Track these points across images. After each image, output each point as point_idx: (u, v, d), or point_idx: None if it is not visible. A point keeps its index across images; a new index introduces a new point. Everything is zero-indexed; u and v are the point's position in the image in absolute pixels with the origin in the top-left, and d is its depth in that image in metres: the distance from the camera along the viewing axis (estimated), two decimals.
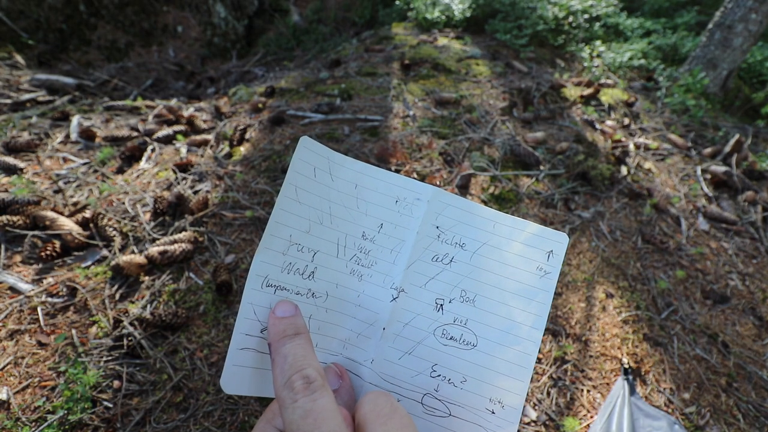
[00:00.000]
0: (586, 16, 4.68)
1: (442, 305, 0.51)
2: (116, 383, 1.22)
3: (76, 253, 1.57)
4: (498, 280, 0.51)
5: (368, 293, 0.51)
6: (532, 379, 1.42)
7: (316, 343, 0.49)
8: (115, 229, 1.65)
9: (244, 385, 0.46)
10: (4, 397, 1.14)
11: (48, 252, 1.51)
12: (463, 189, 2.13)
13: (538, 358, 1.49)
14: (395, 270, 0.52)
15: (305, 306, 0.50)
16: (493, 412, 0.48)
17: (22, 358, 1.24)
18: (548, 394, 1.40)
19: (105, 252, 1.58)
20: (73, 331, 1.32)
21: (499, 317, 0.50)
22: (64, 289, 1.42)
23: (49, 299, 1.40)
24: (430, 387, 0.49)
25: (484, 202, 2.08)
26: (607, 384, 1.46)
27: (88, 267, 1.53)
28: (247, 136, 2.39)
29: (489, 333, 0.50)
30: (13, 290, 1.41)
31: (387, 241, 0.52)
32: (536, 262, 0.51)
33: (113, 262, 1.48)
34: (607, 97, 3.40)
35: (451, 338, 0.50)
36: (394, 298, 0.51)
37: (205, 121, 2.58)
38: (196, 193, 1.93)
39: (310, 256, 0.50)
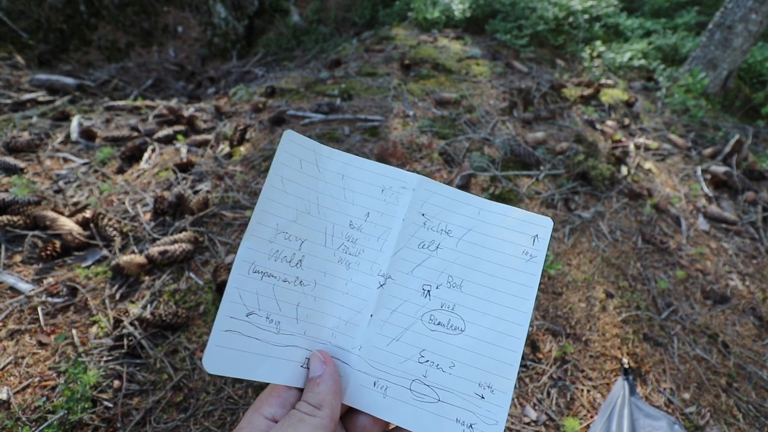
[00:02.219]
0: (586, 16, 4.68)
1: (429, 291, 0.51)
2: (116, 383, 1.22)
3: (76, 253, 1.57)
4: (484, 266, 0.52)
5: (356, 281, 0.52)
6: (531, 378, 1.42)
7: (304, 330, 0.50)
8: (115, 229, 1.65)
9: (227, 365, 0.46)
10: (4, 396, 1.14)
11: (48, 252, 1.51)
12: (463, 189, 2.13)
13: (537, 358, 1.49)
14: (382, 257, 0.52)
15: (293, 293, 0.50)
16: (482, 397, 0.48)
17: (23, 357, 1.24)
18: (548, 394, 1.40)
19: (105, 252, 1.58)
20: (74, 331, 1.32)
21: (486, 302, 0.51)
22: (65, 289, 1.43)
23: (50, 299, 1.40)
24: (419, 373, 0.49)
25: None
26: (607, 384, 1.46)
27: (88, 267, 1.53)
28: (247, 136, 2.39)
29: (477, 318, 0.51)
30: (14, 290, 1.41)
31: (374, 230, 0.53)
32: (522, 246, 0.52)
33: (113, 262, 1.48)
34: (607, 97, 3.40)
35: (438, 323, 0.50)
36: (381, 285, 0.52)
37: (205, 121, 2.59)
38: (196, 193, 1.93)
39: (298, 245, 0.51)
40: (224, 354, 0.46)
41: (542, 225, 0.52)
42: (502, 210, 0.53)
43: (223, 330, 0.47)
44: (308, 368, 0.48)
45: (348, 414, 0.50)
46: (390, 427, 0.50)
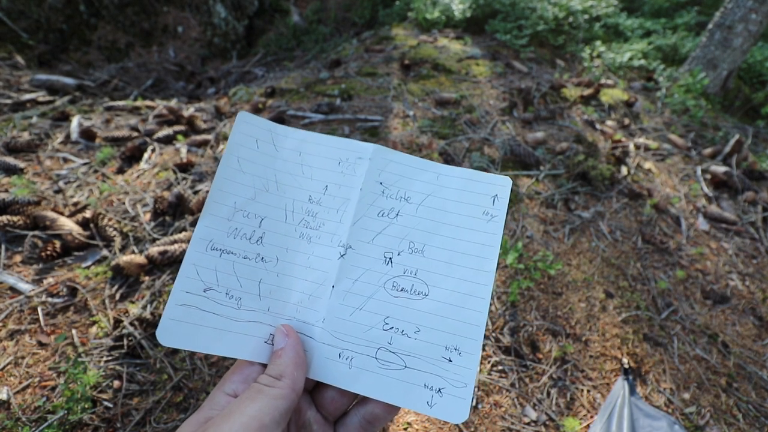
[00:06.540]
0: (586, 16, 4.68)
1: (390, 258, 0.51)
2: (116, 383, 1.22)
3: (76, 253, 1.57)
4: (445, 229, 0.52)
5: (317, 254, 0.52)
6: (531, 378, 1.42)
7: (268, 307, 0.50)
8: (115, 229, 1.65)
9: (182, 339, 0.47)
10: (4, 397, 1.14)
11: (48, 252, 1.51)
12: None
13: (537, 358, 1.49)
14: (342, 228, 0.52)
15: (255, 270, 0.50)
16: (450, 360, 0.47)
17: (23, 358, 1.24)
18: (548, 394, 1.40)
19: (105, 252, 1.58)
20: (74, 331, 1.32)
21: (449, 265, 0.51)
22: (65, 289, 1.43)
23: (50, 299, 1.40)
24: (384, 340, 0.49)
25: None
26: (607, 384, 1.46)
27: (88, 267, 1.53)
28: None
29: (440, 281, 0.50)
30: (14, 290, 1.41)
31: (332, 202, 0.53)
32: (482, 207, 0.52)
33: (113, 262, 1.48)
34: (607, 97, 3.40)
35: (401, 290, 0.50)
36: (342, 255, 0.51)
37: (205, 122, 2.59)
38: (196, 193, 1.93)
39: (257, 222, 0.52)
40: (179, 327, 0.47)
41: (501, 185, 0.52)
42: (461, 173, 0.53)
43: (178, 304, 0.47)
44: (273, 344, 0.48)
45: (316, 388, 0.50)
46: (358, 397, 0.49)
